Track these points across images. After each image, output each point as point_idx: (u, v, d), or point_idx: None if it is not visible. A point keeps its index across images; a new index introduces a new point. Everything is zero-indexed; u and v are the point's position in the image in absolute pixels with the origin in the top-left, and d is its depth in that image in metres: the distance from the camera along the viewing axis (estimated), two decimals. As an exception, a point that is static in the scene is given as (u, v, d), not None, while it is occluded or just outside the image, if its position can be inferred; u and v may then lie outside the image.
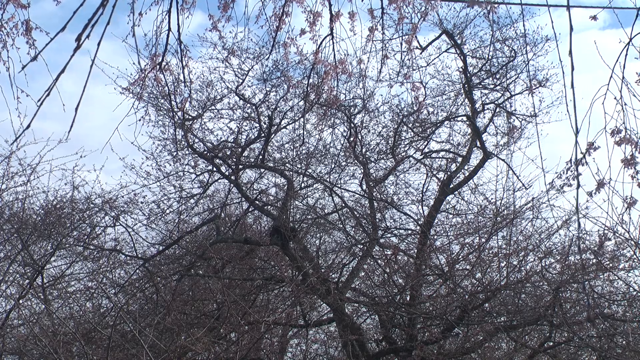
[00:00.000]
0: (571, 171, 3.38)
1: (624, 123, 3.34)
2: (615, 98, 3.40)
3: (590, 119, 3.16)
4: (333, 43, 3.45)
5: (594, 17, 3.33)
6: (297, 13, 3.79)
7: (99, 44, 3.42)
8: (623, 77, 3.16)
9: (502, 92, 11.16)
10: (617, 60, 3.16)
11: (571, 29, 2.96)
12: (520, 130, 11.10)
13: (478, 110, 11.08)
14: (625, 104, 3.29)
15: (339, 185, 11.31)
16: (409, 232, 11.24)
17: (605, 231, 8.60)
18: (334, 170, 11.30)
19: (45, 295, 10.65)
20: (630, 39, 3.13)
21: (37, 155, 10.79)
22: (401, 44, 3.96)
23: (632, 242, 8.22)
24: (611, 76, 3.12)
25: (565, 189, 3.83)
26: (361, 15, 3.56)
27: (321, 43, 3.54)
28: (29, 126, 3.49)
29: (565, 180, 3.51)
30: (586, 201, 8.43)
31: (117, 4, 3.24)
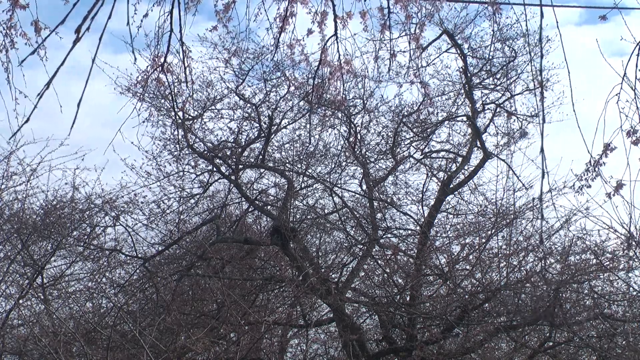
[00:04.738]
0: (590, 172, 3.37)
1: (639, 123, 3.33)
2: (618, 96, 3.40)
3: (605, 119, 3.15)
4: (337, 44, 3.46)
5: (604, 17, 3.33)
6: (301, 13, 3.80)
7: (100, 38, 3.41)
8: (636, 78, 3.15)
9: (502, 92, 11.17)
10: (629, 61, 3.15)
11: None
12: (521, 130, 11.10)
13: (478, 110, 11.08)
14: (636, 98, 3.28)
15: (339, 185, 11.31)
16: (409, 232, 11.24)
17: (610, 232, 8.60)
18: (334, 170, 11.29)
19: (45, 295, 10.65)
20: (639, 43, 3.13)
21: (38, 156, 10.80)
22: (409, 42, 3.96)
23: (633, 242, 8.23)
24: (624, 78, 3.12)
25: (585, 189, 3.82)
26: (368, 15, 3.56)
27: (325, 43, 3.54)
28: (27, 120, 3.46)
29: (585, 181, 3.50)
30: (586, 201, 8.49)
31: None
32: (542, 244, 9.34)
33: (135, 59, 3.92)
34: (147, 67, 4.04)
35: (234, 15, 3.79)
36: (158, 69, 3.87)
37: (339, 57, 3.43)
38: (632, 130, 3.34)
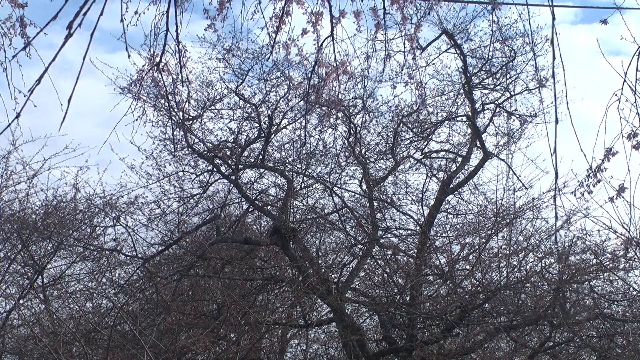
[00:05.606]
0: (591, 177, 3.37)
1: (639, 127, 3.33)
2: (619, 100, 3.38)
3: (606, 123, 3.15)
4: (334, 44, 3.45)
5: (604, 21, 3.33)
6: (296, 13, 3.78)
7: (92, 34, 3.41)
8: (637, 81, 3.15)
9: (502, 92, 11.16)
10: (630, 64, 3.15)
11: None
12: (521, 130, 11.11)
13: (478, 110, 11.07)
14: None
15: (339, 185, 11.30)
16: (409, 232, 11.23)
17: (611, 232, 8.60)
18: (334, 170, 11.29)
19: (46, 296, 10.65)
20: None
21: (38, 155, 10.83)
22: (404, 43, 3.96)
23: (634, 242, 8.22)
24: (625, 81, 3.11)
25: (586, 195, 3.81)
26: (363, 15, 3.55)
27: (321, 45, 3.53)
28: (19, 115, 3.46)
29: (586, 187, 3.50)
30: (586, 201, 8.48)
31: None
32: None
33: (129, 55, 3.91)
34: (144, 65, 4.04)
35: (229, 14, 3.78)
36: (154, 68, 3.87)
37: (335, 58, 3.43)
38: (632, 133, 3.33)
